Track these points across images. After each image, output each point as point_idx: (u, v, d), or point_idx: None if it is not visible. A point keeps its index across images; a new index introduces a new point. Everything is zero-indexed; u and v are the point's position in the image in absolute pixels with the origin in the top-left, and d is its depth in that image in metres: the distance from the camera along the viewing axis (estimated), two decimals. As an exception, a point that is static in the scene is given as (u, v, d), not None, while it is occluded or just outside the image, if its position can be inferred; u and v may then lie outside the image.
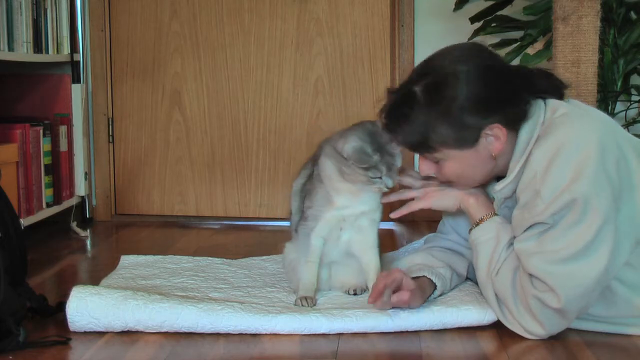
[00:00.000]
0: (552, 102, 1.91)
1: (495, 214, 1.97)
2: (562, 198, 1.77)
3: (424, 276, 2.04)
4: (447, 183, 2.02)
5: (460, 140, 1.88)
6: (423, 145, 1.91)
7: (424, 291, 2.01)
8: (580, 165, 1.78)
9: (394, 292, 1.93)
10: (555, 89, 1.96)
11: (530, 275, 1.83)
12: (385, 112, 1.94)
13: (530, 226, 1.83)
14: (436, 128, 1.87)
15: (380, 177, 1.99)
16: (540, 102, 1.92)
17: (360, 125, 2.02)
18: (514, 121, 1.88)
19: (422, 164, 1.97)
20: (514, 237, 1.90)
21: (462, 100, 1.84)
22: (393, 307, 1.95)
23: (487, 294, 1.94)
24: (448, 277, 2.09)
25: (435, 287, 2.05)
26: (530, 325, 1.85)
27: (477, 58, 1.89)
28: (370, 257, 2.14)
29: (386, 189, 2.01)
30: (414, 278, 2.03)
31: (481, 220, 1.97)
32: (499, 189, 1.94)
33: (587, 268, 1.78)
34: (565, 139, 1.81)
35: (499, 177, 1.99)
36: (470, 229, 2.00)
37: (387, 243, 2.86)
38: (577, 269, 1.78)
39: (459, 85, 1.85)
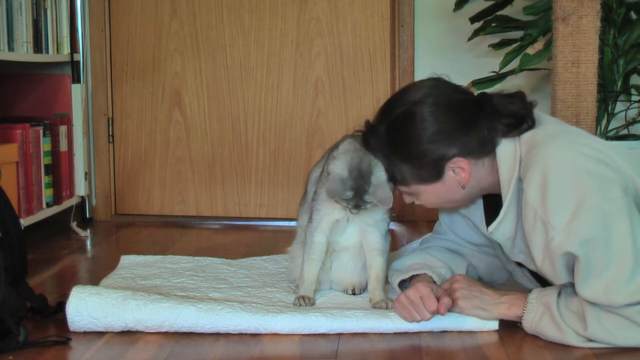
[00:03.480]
0: (523, 135, 1.90)
1: (527, 293, 1.93)
2: (578, 223, 1.75)
3: (424, 274, 2.04)
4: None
5: (423, 177, 1.91)
6: (392, 179, 1.98)
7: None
8: (575, 182, 1.76)
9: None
10: (521, 111, 1.93)
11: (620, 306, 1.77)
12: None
13: (566, 268, 1.80)
14: (399, 167, 1.93)
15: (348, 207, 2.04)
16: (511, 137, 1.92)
17: (356, 150, 2.01)
18: (475, 150, 1.89)
19: (403, 196, 2.01)
20: (559, 285, 1.87)
21: (419, 140, 1.88)
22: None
23: (593, 344, 1.84)
24: (448, 277, 2.08)
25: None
26: None
27: (431, 97, 1.91)
28: (371, 260, 2.14)
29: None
30: (415, 276, 2.04)
31: (523, 311, 1.91)
32: (492, 230, 1.93)
33: None
34: (545, 165, 1.79)
35: (486, 195, 2.00)
36: (520, 323, 1.93)
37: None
38: None
39: (414, 126, 1.89)
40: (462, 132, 1.88)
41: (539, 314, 1.87)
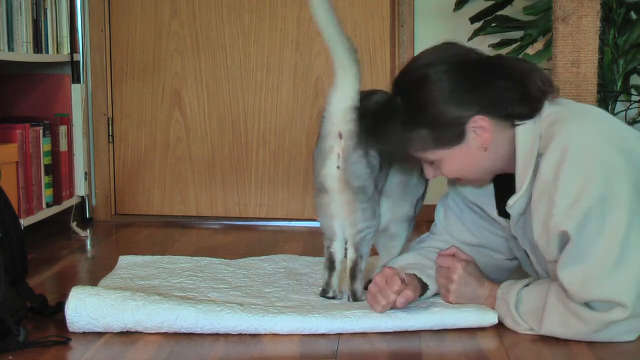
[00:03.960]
0: (545, 107, 1.89)
1: (492, 293, 1.99)
2: (579, 206, 1.76)
3: (414, 275, 2.04)
4: (459, 181, 2.02)
5: (445, 140, 1.88)
6: (406, 153, 1.94)
7: (416, 289, 2.01)
8: (589, 167, 1.77)
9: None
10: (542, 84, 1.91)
11: (588, 302, 1.80)
12: (368, 123, 1.99)
13: (559, 246, 1.82)
14: (419, 133, 1.88)
15: None
16: None
17: None
18: (494, 106, 1.86)
19: (426, 170, 1.99)
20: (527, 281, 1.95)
21: (435, 101, 1.86)
22: (396, 308, 1.96)
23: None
24: None
25: (426, 287, 2.05)
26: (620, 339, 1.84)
27: (443, 58, 1.91)
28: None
29: None
30: None
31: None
32: (512, 203, 1.91)
33: (635, 264, 1.76)
34: (568, 142, 1.79)
35: (499, 175, 1.99)
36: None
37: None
38: (628, 269, 1.76)
39: (429, 88, 1.87)
40: (478, 90, 1.86)
41: (504, 310, 1.93)
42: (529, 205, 1.88)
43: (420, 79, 1.89)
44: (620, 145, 1.81)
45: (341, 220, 2.12)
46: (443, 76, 1.87)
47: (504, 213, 1.99)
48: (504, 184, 1.98)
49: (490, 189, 2.05)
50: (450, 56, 1.92)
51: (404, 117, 1.90)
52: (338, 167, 2.07)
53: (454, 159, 1.91)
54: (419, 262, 2.10)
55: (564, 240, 1.81)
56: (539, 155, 1.85)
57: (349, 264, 2.13)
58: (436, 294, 2.07)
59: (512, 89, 1.87)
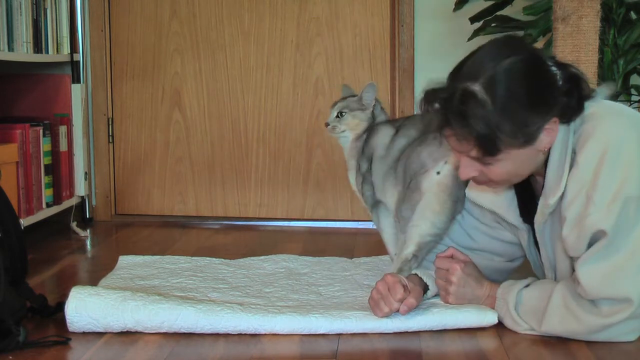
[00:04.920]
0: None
1: (492, 293, 1.99)
2: (616, 204, 1.75)
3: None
4: (484, 183, 1.88)
5: (524, 138, 1.76)
6: (487, 147, 1.76)
7: (419, 295, 2.00)
8: (627, 166, 1.76)
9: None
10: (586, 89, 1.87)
11: (599, 299, 1.79)
12: (441, 112, 1.79)
13: (590, 243, 1.79)
14: (502, 128, 1.73)
15: None
16: None
17: None
18: (569, 114, 1.80)
19: (464, 168, 1.82)
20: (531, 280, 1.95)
21: (523, 96, 1.74)
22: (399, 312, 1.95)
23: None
24: None
25: (426, 287, 2.05)
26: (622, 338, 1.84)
27: (522, 50, 1.79)
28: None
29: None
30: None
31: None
32: (552, 203, 1.84)
33: None
34: (607, 141, 1.77)
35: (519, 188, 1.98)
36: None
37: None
38: None
39: (517, 80, 1.74)
40: (557, 91, 1.79)
41: (503, 310, 1.94)
42: (560, 201, 1.84)
43: (504, 71, 1.74)
44: None
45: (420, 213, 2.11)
46: (527, 71, 1.75)
47: (526, 217, 1.97)
48: (524, 189, 1.97)
49: (507, 195, 2.01)
50: (532, 50, 1.82)
51: (492, 110, 1.73)
52: (438, 173, 2.09)
53: (513, 160, 1.79)
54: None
55: (597, 238, 1.79)
56: (573, 152, 1.82)
57: (402, 257, 2.12)
58: (436, 295, 2.08)
59: (572, 93, 1.81)
